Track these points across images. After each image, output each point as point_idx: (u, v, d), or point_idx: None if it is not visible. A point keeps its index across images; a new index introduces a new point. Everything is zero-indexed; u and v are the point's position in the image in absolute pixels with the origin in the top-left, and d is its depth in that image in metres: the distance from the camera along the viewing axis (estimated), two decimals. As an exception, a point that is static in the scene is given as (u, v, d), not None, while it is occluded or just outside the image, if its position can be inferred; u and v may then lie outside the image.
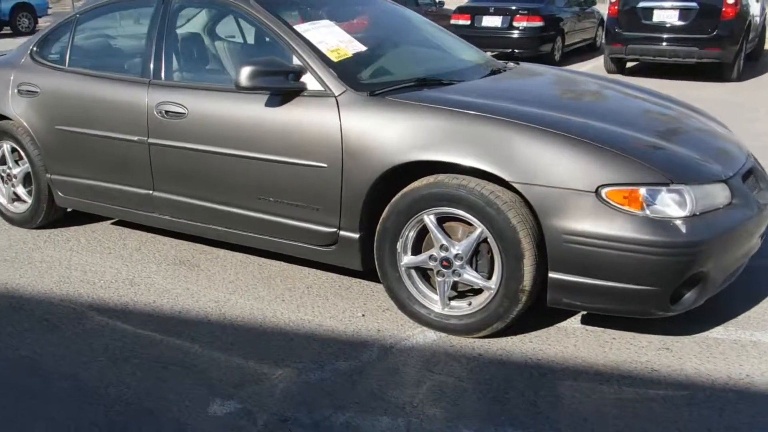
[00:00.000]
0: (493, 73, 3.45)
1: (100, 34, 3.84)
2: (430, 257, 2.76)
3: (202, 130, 3.17)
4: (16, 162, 4.04)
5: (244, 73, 2.85)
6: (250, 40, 3.58)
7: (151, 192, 3.45)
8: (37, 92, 3.77)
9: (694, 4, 9.09)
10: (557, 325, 2.88)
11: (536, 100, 3.00)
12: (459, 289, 2.82)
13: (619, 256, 2.43)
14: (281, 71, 2.91)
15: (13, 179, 4.08)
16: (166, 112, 3.26)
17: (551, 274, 2.55)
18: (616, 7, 9.62)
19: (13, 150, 4.01)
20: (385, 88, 2.91)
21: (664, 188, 2.45)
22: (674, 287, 2.46)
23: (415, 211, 2.73)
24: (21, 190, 4.08)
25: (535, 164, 2.50)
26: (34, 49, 3.92)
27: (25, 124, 3.82)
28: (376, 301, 3.12)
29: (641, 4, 9.38)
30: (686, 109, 3.38)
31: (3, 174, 4.10)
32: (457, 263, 2.70)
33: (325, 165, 2.87)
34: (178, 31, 3.43)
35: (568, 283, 2.53)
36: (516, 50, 10.53)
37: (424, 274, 2.87)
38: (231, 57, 3.46)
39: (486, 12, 10.74)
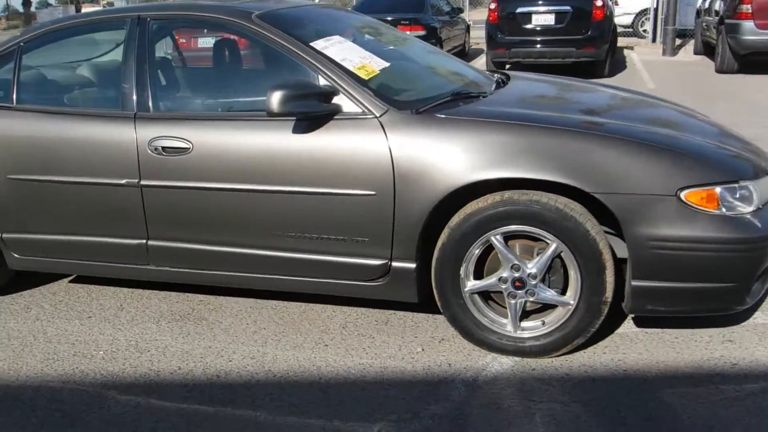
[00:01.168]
0: (501, 83, 3.38)
1: (52, 64, 3.29)
2: (500, 279, 2.63)
3: (211, 165, 2.80)
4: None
5: (276, 98, 2.55)
6: (252, 62, 3.23)
7: (144, 242, 3.00)
8: (-24, 137, 3.16)
9: (567, 7, 9.68)
10: (617, 332, 2.87)
11: (577, 108, 2.97)
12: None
13: (703, 257, 2.44)
14: (314, 94, 2.64)
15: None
16: (164, 148, 2.85)
17: (635, 282, 2.51)
18: (496, 14, 10.01)
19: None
20: (426, 105, 2.73)
21: (735, 185, 2.50)
22: (752, 280, 2.52)
23: (481, 233, 2.58)
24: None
25: (614, 173, 2.45)
26: (-38, 87, 3.29)
27: (-37, 176, 3.19)
28: (425, 331, 2.93)
29: (519, 10, 9.84)
30: (686, 110, 3.50)
31: None
32: (532, 282, 2.59)
33: (374, 192, 2.64)
34: (164, 55, 3.01)
35: (652, 289, 2.50)
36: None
37: (485, 297, 2.73)
38: (239, 82, 3.10)
39: None
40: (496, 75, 3.67)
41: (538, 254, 2.60)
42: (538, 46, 9.79)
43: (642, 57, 12.49)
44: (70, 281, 3.63)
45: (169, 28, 3.10)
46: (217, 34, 3.24)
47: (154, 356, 2.82)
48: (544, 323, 2.66)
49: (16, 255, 3.28)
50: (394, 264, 2.72)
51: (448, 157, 2.56)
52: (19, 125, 3.09)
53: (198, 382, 2.62)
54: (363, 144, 2.63)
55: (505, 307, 2.69)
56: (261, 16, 2.93)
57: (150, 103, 2.94)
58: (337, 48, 2.88)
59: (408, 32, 10.52)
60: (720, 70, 10.15)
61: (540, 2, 9.71)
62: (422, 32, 10.74)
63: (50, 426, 2.38)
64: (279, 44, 2.83)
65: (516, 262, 2.59)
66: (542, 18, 9.76)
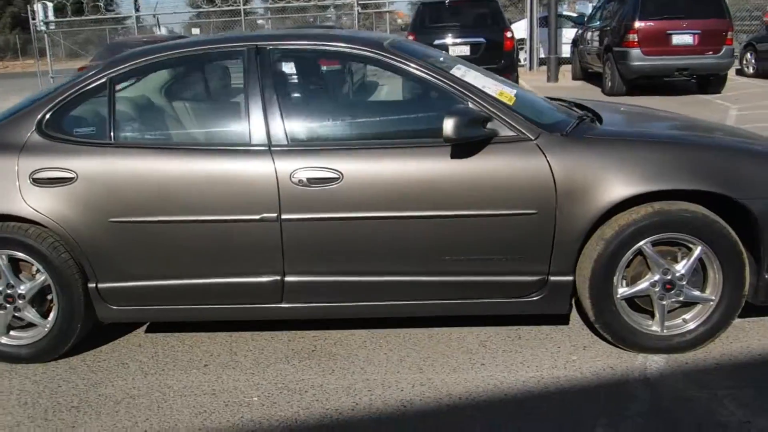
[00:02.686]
0: (578, 106, 3.62)
1: (151, 97, 3.04)
2: (651, 283, 2.84)
3: (364, 194, 2.77)
4: (18, 276, 3.01)
5: (453, 125, 2.61)
6: (383, 90, 3.20)
7: (279, 278, 2.88)
8: (71, 179, 2.86)
9: (481, 39, 10.34)
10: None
11: (676, 126, 3.29)
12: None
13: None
14: (479, 120, 2.72)
15: (18, 300, 3.01)
16: (309, 179, 2.78)
17: (768, 276, 2.84)
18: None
19: (11, 260, 2.99)
20: (566, 128, 2.91)
21: None
22: None
23: (634, 243, 2.79)
24: (31, 313, 3.04)
25: (753, 180, 2.77)
26: (45, 123, 2.97)
27: (51, 222, 2.87)
28: (561, 342, 3.07)
29: (436, 42, 10.33)
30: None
31: (8, 297, 3.02)
32: (681, 284, 2.83)
33: (535, 211, 2.76)
34: (295, 84, 2.93)
35: (785, 281, 2.84)
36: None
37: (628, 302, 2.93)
38: (383, 109, 3.06)
39: None
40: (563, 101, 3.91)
41: (682, 258, 2.85)
42: (457, 75, 10.31)
43: (530, 84, 13.51)
44: (146, 331, 3.35)
45: (291, 58, 3.01)
46: (348, 63, 3.20)
47: (319, 394, 2.71)
48: (685, 320, 2.91)
49: (112, 306, 2.99)
50: (552, 278, 2.85)
51: (605, 174, 2.75)
52: (122, 164, 2.85)
53: (386, 414, 2.56)
54: (524, 166, 2.76)
55: (644, 311, 2.92)
56: (392, 45, 2.96)
57: (285, 135, 2.85)
58: (471, 75, 2.99)
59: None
60: (609, 93, 11.27)
61: (455, 35, 10.28)
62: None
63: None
64: (421, 72, 2.88)
65: (667, 267, 2.82)
66: (458, 49, 10.32)
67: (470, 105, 2.83)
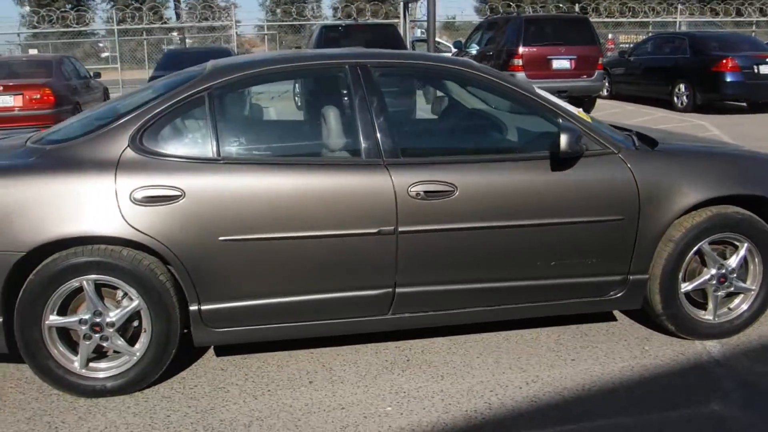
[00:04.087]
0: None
1: (254, 111, 2.93)
2: (710, 277, 3.26)
3: (477, 206, 2.93)
4: (101, 302, 2.78)
5: (566, 140, 2.87)
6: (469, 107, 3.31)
7: (390, 290, 2.94)
8: (177, 197, 2.72)
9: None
10: (742, 311, 3.70)
11: (717, 143, 3.77)
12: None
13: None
14: (581, 136, 2.99)
15: (106, 329, 2.78)
16: (426, 192, 2.88)
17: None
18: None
19: (98, 286, 2.77)
20: (634, 143, 3.26)
21: None
22: None
23: (695, 243, 3.20)
24: (119, 342, 2.82)
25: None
26: (140, 138, 2.78)
27: (156, 243, 2.71)
28: (626, 335, 3.40)
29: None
30: None
31: (82, 326, 2.77)
32: (732, 276, 3.28)
33: (622, 217, 3.08)
34: (397, 100, 3.00)
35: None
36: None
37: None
38: (485, 124, 3.18)
39: None
40: None
41: (730, 255, 3.30)
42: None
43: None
44: (217, 355, 3.22)
45: (392, 75, 3.06)
46: (440, 81, 3.29)
47: (447, 399, 2.81)
48: (730, 309, 3.36)
49: (214, 329, 2.87)
50: (632, 277, 3.17)
51: (679, 182, 3.14)
52: (232, 181, 2.77)
53: (521, 410, 2.72)
54: (613, 176, 3.07)
55: (695, 303, 3.34)
56: (477, 66, 3.15)
57: (397, 149, 2.93)
58: (547, 95, 3.25)
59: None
60: (497, 115, 12.08)
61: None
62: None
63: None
64: (517, 90, 3.10)
65: (722, 262, 3.26)
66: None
67: (560, 121, 3.10)
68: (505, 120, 3.31)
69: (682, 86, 12.02)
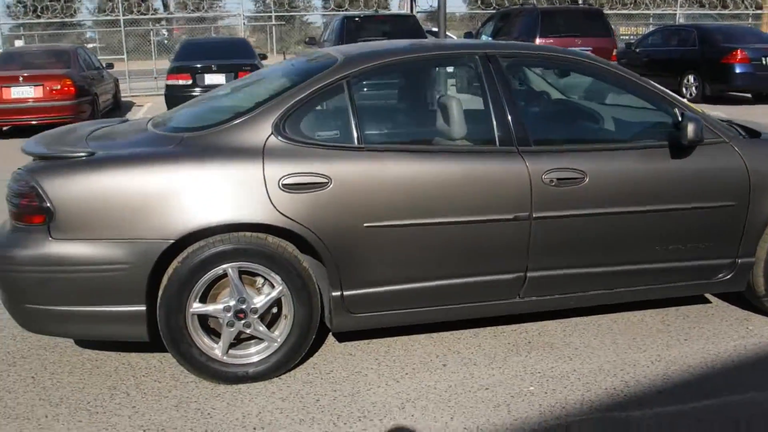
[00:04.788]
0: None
1: (389, 98, 2.98)
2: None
3: (605, 192, 3.02)
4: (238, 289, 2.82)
5: (693, 129, 2.98)
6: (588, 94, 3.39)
7: (521, 274, 3.02)
8: (324, 184, 2.77)
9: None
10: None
11: None
12: None
13: None
14: (703, 124, 3.09)
15: (250, 315, 2.82)
16: (558, 179, 2.96)
17: None
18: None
19: (240, 274, 2.81)
20: (740, 133, 3.37)
21: None
22: None
23: (795, 226, 3.33)
24: (261, 328, 2.86)
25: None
26: (283, 126, 2.82)
27: (304, 230, 2.75)
28: (719, 314, 3.52)
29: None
30: None
31: (227, 314, 2.81)
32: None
33: (734, 203, 3.19)
34: (524, 89, 3.07)
35: None
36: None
37: None
38: (608, 114, 3.26)
39: (208, 70, 10.18)
40: None
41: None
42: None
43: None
44: (342, 341, 3.27)
45: (520, 65, 3.13)
46: (570, 71, 3.37)
47: (583, 378, 2.90)
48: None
49: (354, 314, 2.92)
50: (740, 261, 3.29)
51: (786, 169, 3.26)
52: (377, 167, 2.82)
53: (665, 385, 2.82)
54: (726, 164, 3.18)
55: None
56: (597, 58, 3.24)
57: (528, 137, 3.00)
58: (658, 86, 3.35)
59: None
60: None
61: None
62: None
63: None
64: (636, 81, 3.20)
65: (822, 244, 3.40)
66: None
67: (675, 111, 3.19)
68: (624, 110, 3.40)
69: (691, 77, 12.26)
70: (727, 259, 3.28)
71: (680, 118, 3.11)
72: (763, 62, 11.59)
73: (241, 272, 2.84)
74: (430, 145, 2.98)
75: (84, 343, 3.30)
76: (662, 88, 3.29)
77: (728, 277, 3.32)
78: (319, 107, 2.93)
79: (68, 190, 2.69)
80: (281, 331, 2.90)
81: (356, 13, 11.00)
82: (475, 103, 3.06)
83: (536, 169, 2.95)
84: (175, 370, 3.03)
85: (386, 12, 10.98)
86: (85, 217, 2.69)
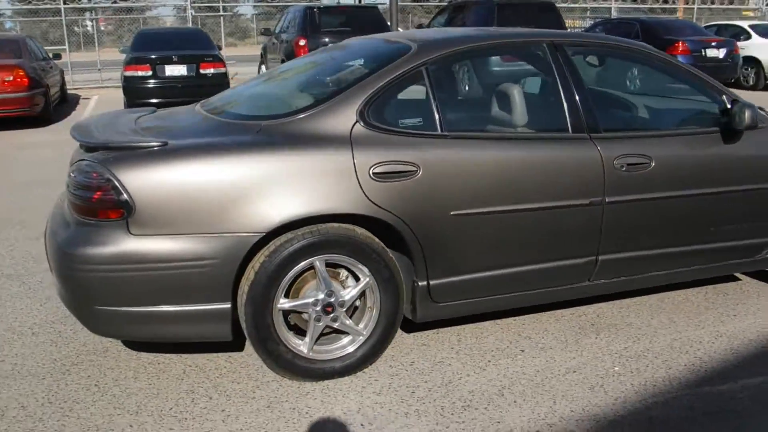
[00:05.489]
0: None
1: (465, 85, 2.92)
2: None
3: (669, 176, 3.10)
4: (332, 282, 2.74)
5: (749, 115, 3.12)
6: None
7: (593, 258, 3.06)
8: (413, 172, 2.71)
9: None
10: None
11: None
12: None
13: None
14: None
15: (337, 309, 2.74)
16: (628, 165, 3.02)
17: None
18: (307, 49, 10.37)
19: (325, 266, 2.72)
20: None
21: None
22: None
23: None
24: (348, 322, 2.78)
25: None
26: (367, 113, 2.73)
27: (396, 219, 2.69)
28: (750, 292, 3.70)
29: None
30: None
31: (315, 308, 2.72)
32: None
33: (778, 184, 3.36)
34: (586, 78, 3.10)
35: None
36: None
37: None
38: (668, 103, 3.32)
39: (169, 61, 9.78)
40: None
41: None
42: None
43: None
44: (411, 332, 3.23)
45: (583, 54, 3.15)
46: (622, 60, 3.41)
47: (658, 355, 2.98)
48: None
49: (439, 304, 2.89)
50: (782, 238, 3.47)
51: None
52: (461, 155, 2.79)
53: (728, 360, 2.94)
54: (770, 147, 3.34)
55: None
56: (653, 48, 3.31)
57: (599, 125, 3.04)
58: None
59: (212, 69, 10.04)
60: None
61: (347, 38, 10.44)
62: (224, 69, 10.26)
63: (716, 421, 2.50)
64: (686, 71, 3.30)
65: None
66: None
67: (723, 99, 3.32)
68: (678, 97, 3.51)
69: (635, 69, 12.73)
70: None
71: (730, 105, 3.24)
72: (703, 54, 12.21)
73: (327, 265, 2.75)
74: (509, 131, 2.97)
75: (134, 345, 3.12)
76: (709, 77, 3.41)
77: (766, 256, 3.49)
78: (400, 94, 2.86)
79: (149, 182, 2.52)
80: (366, 323, 2.83)
81: (314, 4, 10.86)
82: (549, 90, 3.08)
83: (608, 155, 3.00)
84: (250, 369, 2.91)
85: (350, 4, 10.87)
86: (168, 211, 2.53)
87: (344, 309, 2.78)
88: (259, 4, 28.60)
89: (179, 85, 9.77)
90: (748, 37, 14.55)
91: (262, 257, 2.63)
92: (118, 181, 2.51)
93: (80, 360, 3.02)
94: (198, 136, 2.77)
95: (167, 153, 2.58)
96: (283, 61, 10.93)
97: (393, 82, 2.83)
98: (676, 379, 2.82)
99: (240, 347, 3.09)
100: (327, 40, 10.36)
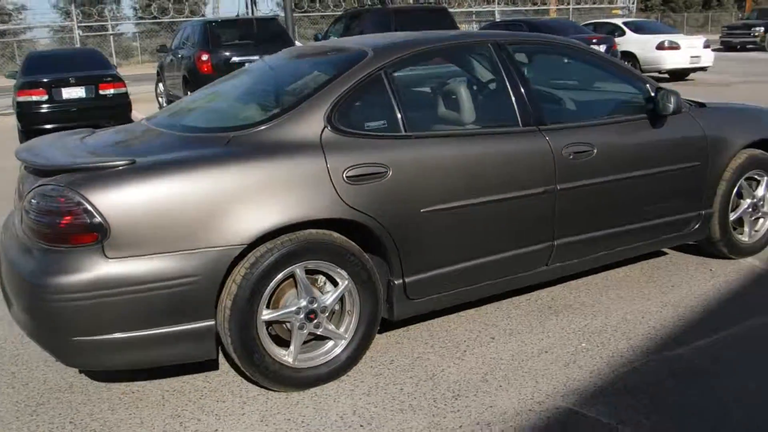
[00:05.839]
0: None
1: (417, 87, 2.99)
2: (747, 206, 4.00)
3: (609, 161, 3.34)
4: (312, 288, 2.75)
5: (674, 101, 3.42)
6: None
7: (551, 243, 3.24)
8: (384, 173, 2.77)
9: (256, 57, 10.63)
10: None
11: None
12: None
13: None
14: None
15: (319, 315, 2.75)
16: (575, 153, 3.22)
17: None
18: (210, 65, 10.14)
19: (314, 274, 2.74)
20: (693, 104, 3.88)
21: None
22: None
23: (738, 180, 3.89)
24: (330, 327, 2.80)
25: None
26: (333, 118, 2.76)
27: (371, 221, 2.74)
28: (684, 263, 4.04)
29: (234, 60, 10.27)
30: None
31: (299, 316, 2.73)
32: (760, 204, 4.05)
33: (699, 163, 3.68)
34: (526, 74, 3.27)
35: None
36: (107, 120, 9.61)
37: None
38: (600, 93, 3.51)
39: (66, 84, 9.23)
40: None
41: (756, 188, 4.06)
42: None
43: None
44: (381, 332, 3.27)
45: (520, 51, 3.30)
46: (558, 57, 3.59)
47: (624, 327, 3.20)
48: (756, 231, 4.14)
49: (413, 300, 2.96)
50: (703, 212, 3.79)
51: (729, 132, 3.81)
52: (424, 154, 2.88)
53: (689, 323, 3.21)
54: (690, 130, 3.66)
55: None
56: (582, 44, 3.55)
57: (544, 116, 3.23)
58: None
59: (112, 90, 9.61)
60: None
61: (251, 52, 10.34)
62: (124, 89, 9.82)
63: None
64: (613, 64, 3.59)
65: (754, 194, 4.01)
66: (254, 66, 10.41)
67: (647, 88, 3.61)
68: (609, 88, 3.77)
69: (567, 63, 13.45)
70: (695, 212, 3.77)
71: (654, 93, 3.55)
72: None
73: (307, 271, 2.76)
74: (465, 128, 3.10)
75: (97, 375, 2.98)
76: (633, 68, 3.70)
77: (696, 227, 3.82)
78: (361, 99, 2.92)
79: (122, 202, 2.44)
80: (346, 326, 2.86)
81: (215, 18, 10.65)
82: (498, 87, 3.24)
83: (557, 145, 3.20)
84: (231, 386, 2.87)
85: (250, 17, 10.76)
86: (144, 231, 2.46)
87: (326, 314, 2.80)
88: (141, 21, 27.65)
89: (78, 108, 9.29)
90: (623, 33, 15.71)
91: (242, 270, 2.61)
92: (90, 203, 2.41)
93: (45, 399, 2.85)
94: (164, 151, 2.71)
95: (138, 171, 2.51)
96: (185, 78, 10.67)
97: (355, 86, 2.89)
98: (638, 347, 3.04)
99: (214, 366, 3.03)
100: (229, 54, 10.22)
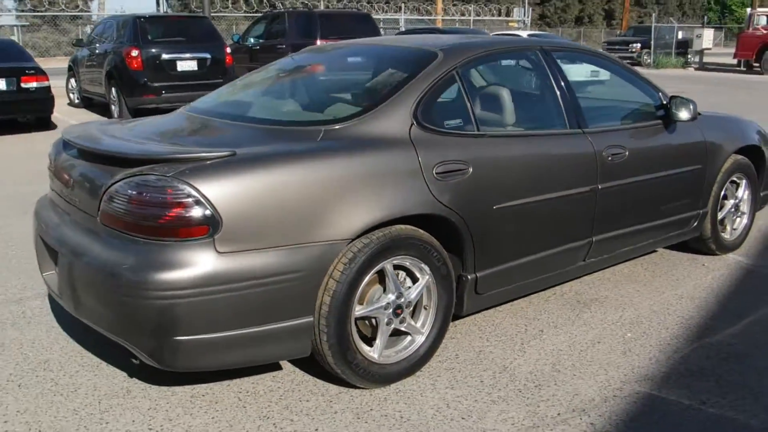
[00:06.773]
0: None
1: (485, 88, 3.05)
2: (731, 206, 4.40)
3: (640, 163, 3.59)
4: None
5: (693, 108, 3.71)
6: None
7: (589, 239, 3.42)
8: (465, 170, 2.82)
9: (206, 54, 10.26)
10: None
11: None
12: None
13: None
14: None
15: (405, 310, 2.76)
16: (612, 155, 3.42)
17: None
18: (140, 60, 9.64)
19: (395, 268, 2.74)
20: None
21: None
22: None
23: (725, 182, 4.28)
24: (412, 322, 2.81)
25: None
26: (419, 115, 2.78)
27: (457, 216, 2.79)
28: (679, 260, 4.38)
29: (164, 57, 9.83)
30: None
31: (387, 311, 2.72)
32: (740, 203, 4.46)
33: (700, 166, 4.01)
34: (571, 79, 3.44)
35: None
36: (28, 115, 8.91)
37: None
38: (628, 101, 3.70)
39: None
40: None
41: (737, 190, 4.48)
42: (187, 90, 9.96)
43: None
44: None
45: (563, 58, 3.42)
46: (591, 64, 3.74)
47: (653, 320, 3.43)
48: (734, 229, 4.55)
49: (482, 294, 3.02)
50: (701, 211, 4.14)
51: (722, 138, 4.17)
52: (498, 152, 2.98)
53: (709, 312, 3.48)
54: (694, 135, 3.98)
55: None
56: (608, 55, 3.78)
57: (585, 119, 3.40)
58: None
59: (35, 83, 8.98)
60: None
61: (182, 49, 9.96)
62: (47, 82, 9.14)
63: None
64: (635, 74, 3.83)
65: (736, 195, 4.42)
66: (186, 64, 10.03)
67: (658, 95, 3.90)
68: (631, 95, 4.02)
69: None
70: (695, 210, 4.11)
71: (667, 100, 3.85)
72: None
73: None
74: (530, 129, 3.25)
75: (151, 380, 2.81)
76: (646, 78, 3.99)
77: (694, 225, 4.16)
78: (440, 97, 2.96)
79: (232, 194, 2.34)
80: (423, 321, 2.89)
81: (143, 13, 10.10)
82: (552, 91, 3.38)
83: (598, 147, 3.39)
84: (308, 385, 2.80)
85: (180, 14, 10.32)
86: (253, 225, 2.37)
87: (410, 309, 2.81)
88: (23, 13, 25.67)
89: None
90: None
91: (340, 265, 2.57)
92: (202, 195, 2.29)
93: (107, 406, 2.65)
94: (257, 143, 2.61)
95: (243, 163, 2.41)
96: (108, 74, 10.08)
97: (433, 85, 2.93)
98: (679, 336, 3.28)
99: (276, 366, 2.94)
100: (158, 50, 9.79)
